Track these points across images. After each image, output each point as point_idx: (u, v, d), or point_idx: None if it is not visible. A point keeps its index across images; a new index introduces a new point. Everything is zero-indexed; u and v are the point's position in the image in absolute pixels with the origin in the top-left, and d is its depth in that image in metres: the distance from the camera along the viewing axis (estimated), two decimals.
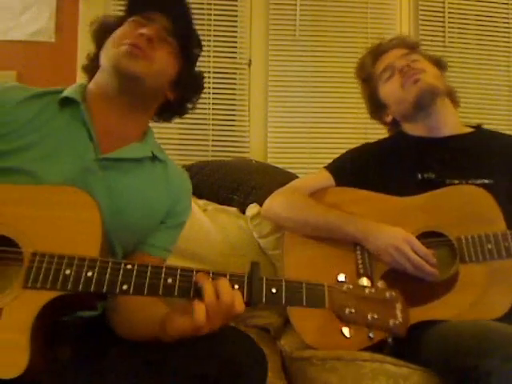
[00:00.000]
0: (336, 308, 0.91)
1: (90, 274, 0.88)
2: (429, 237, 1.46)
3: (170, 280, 0.90)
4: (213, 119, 2.47)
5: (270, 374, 1.30)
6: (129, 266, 0.90)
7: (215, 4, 2.48)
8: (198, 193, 2.00)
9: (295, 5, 2.51)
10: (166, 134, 2.45)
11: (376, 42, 1.78)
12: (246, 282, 0.91)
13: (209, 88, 2.47)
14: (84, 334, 1.06)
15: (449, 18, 2.58)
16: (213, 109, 2.47)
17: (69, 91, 1.14)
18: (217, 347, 0.92)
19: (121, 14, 1.24)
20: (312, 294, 0.92)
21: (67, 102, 1.12)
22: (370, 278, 1.39)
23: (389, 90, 1.68)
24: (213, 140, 2.48)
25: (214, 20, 2.48)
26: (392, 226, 1.47)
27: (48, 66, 2.36)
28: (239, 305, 0.89)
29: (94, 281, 0.88)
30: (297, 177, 2.14)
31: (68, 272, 0.88)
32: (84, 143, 1.09)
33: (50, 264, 0.89)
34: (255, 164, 2.19)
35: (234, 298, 0.89)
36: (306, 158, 2.46)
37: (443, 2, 2.58)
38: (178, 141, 2.46)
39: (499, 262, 1.40)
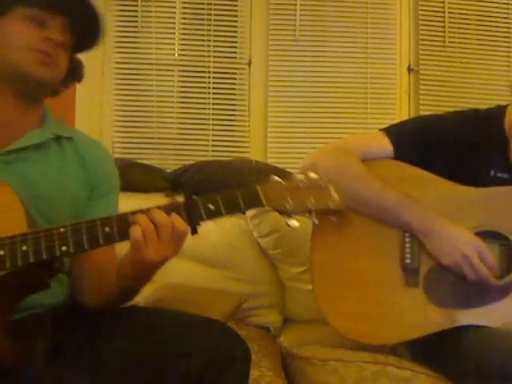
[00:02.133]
0: (274, 204, 0.93)
1: (24, 247, 0.87)
2: (487, 236, 1.32)
3: (107, 229, 0.90)
4: (213, 119, 2.47)
5: (271, 373, 1.31)
6: (62, 229, 0.89)
7: (215, 4, 2.48)
8: (198, 193, 1.99)
9: (295, 5, 2.51)
10: (166, 133, 2.45)
11: None
12: (181, 207, 0.92)
13: (209, 88, 2.47)
14: (60, 326, 1.06)
15: (449, 18, 2.57)
16: (213, 109, 2.47)
17: None
18: (200, 345, 0.93)
19: None
20: (248, 198, 0.93)
21: None
22: (416, 270, 1.31)
23: None
24: (213, 140, 2.47)
25: (214, 20, 2.48)
26: (447, 216, 1.31)
27: None
28: (180, 224, 0.90)
29: (31, 252, 0.87)
30: None
31: (2, 252, 0.87)
32: None
33: None
34: (255, 164, 2.18)
35: (171, 219, 0.90)
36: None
37: (443, 2, 2.57)
38: (178, 141, 2.46)
39: None
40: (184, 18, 2.51)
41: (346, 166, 1.36)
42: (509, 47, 2.60)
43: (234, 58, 2.52)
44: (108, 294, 1.06)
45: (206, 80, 2.47)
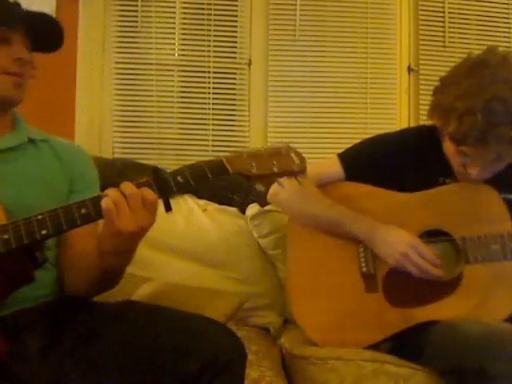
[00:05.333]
0: (240, 170, 1.00)
1: (5, 236, 0.91)
2: (433, 235, 1.44)
3: (83, 210, 0.94)
4: (213, 119, 2.47)
5: (271, 373, 1.31)
6: (40, 216, 0.94)
7: (215, 4, 2.48)
8: (198, 193, 2.00)
9: (295, 5, 2.51)
10: (166, 133, 2.45)
11: None
12: (151, 182, 0.96)
13: (209, 88, 2.47)
14: (55, 321, 1.07)
15: (449, 18, 2.57)
16: (213, 109, 2.47)
17: None
18: (198, 345, 0.94)
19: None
20: (214, 167, 1.00)
21: None
22: (373, 276, 1.42)
23: (456, 161, 1.44)
24: (213, 140, 2.47)
25: (214, 20, 2.48)
26: (395, 223, 1.43)
27: (48, 66, 2.36)
28: (149, 193, 0.94)
29: (12, 239, 0.91)
30: None
31: None
32: None
33: None
34: None
35: (140, 190, 0.94)
36: (306, 158, 2.44)
37: (443, 2, 2.57)
38: (178, 141, 2.46)
39: (504, 263, 1.38)
40: (184, 18, 2.51)
41: (302, 194, 1.53)
42: (508, 47, 2.60)
43: (234, 58, 2.52)
44: (93, 279, 1.08)
45: (206, 80, 2.47)
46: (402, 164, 1.50)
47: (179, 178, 0.97)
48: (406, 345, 1.39)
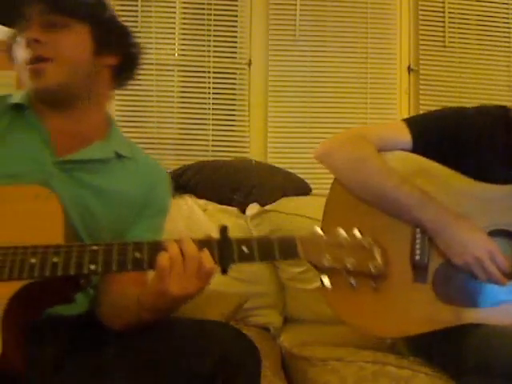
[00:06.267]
0: (311, 257, 0.90)
1: (55, 259, 0.88)
2: (499, 234, 1.30)
3: (137, 254, 0.89)
4: (213, 119, 2.47)
5: (270, 373, 1.31)
6: (94, 247, 0.89)
7: (215, 4, 2.48)
8: (198, 193, 2.00)
9: (295, 5, 2.51)
10: (166, 133, 2.45)
11: None
12: (214, 244, 0.90)
13: (209, 88, 2.47)
14: (72, 333, 1.05)
15: (449, 18, 2.57)
16: (213, 109, 2.47)
17: (17, 96, 1.11)
18: (211, 345, 0.92)
19: None
20: (285, 247, 0.91)
21: (18, 108, 1.09)
22: (426, 267, 1.27)
23: None
24: (213, 140, 2.48)
25: (214, 20, 2.48)
26: (462, 213, 1.28)
27: None
28: (208, 261, 0.88)
29: (60, 265, 0.88)
30: (297, 177, 2.14)
31: (33, 261, 0.88)
32: (40, 149, 1.06)
33: (14, 255, 0.88)
34: (255, 164, 2.19)
35: (200, 254, 0.88)
36: (306, 158, 2.45)
37: (443, 2, 2.57)
38: (178, 141, 2.46)
39: None
40: (184, 18, 2.51)
41: (365, 162, 1.32)
42: (509, 47, 2.60)
43: (234, 57, 2.52)
44: (127, 320, 1.02)
45: (206, 80, 2.48)
46: (476, 145, 1.33)
47: (244, 248, 0.90)
48: (415, 340, 1.33)
